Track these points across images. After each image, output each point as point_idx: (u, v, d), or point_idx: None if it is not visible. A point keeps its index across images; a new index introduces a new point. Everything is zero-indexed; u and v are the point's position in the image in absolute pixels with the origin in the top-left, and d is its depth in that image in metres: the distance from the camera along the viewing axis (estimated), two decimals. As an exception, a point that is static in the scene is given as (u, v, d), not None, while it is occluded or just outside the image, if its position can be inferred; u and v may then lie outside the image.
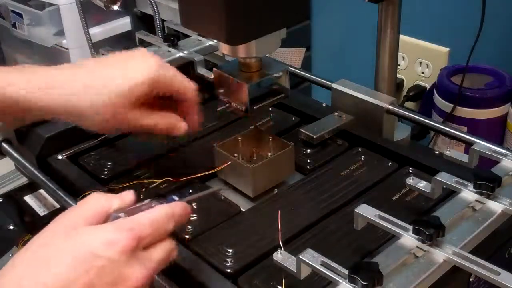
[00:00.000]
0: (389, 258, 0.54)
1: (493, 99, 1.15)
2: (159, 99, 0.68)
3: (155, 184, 0.73)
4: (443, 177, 0.64)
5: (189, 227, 0.67)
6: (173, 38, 1.00)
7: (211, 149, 0.76)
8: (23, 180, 0.85)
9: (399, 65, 1.33)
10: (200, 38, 1.03)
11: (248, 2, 0.65)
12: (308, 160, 0.79)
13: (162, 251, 0.52)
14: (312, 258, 0.53)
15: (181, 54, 0.98)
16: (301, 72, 0.97)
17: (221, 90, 0.77)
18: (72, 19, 1.55)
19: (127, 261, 0.48)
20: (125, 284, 0.48)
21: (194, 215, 0.69)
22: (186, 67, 0.97)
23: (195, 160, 0.69)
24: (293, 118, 0.89)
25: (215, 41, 0.98)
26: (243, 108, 0.75)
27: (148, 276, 0.50)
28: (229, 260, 0.62)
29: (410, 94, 1.33)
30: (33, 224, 0.77)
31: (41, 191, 0.80)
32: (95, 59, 0.69)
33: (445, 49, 1.30)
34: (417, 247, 0.55)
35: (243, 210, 0.71)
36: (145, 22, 1.66)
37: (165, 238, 0.53)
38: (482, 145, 0.70)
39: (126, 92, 0.64)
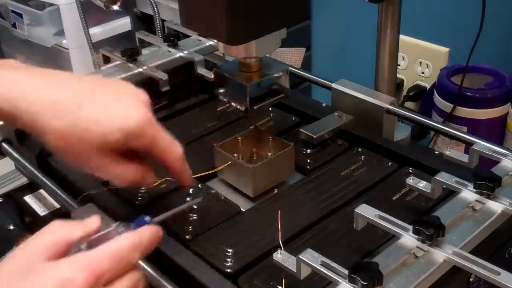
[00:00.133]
0: (389, 258, 0.54)
1: (493, 99, 1.15)
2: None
3: (155, 184, 0.73)
4: (443, 177, 0.64)
5: (189, 227, 0.67)
6: (173, 38, 1.00)
7: (211, 149, 0.76)
8: (23, 180, 0.85)
9: (399, 65, 1.33)
10: (200, 38, 1.03)
11: (248, 2, 0.65)
12: (308, 160, 0.79)
13: (127, 284, 0.49)
14: (312, 258, 0.53)
15: (181, 54, 0.98)
16: (301, 72, 0.97)
17: (221, 90, 0.77)
18: (72, 19, 1.55)
19: None
20: None
21: (194, 215, 0.69)
22: (186, 67, 0.97)
23: (195, 160, 0.69)
24: (293, 118, 0.89)
25: (215, 41, 0.98)
26: (243, 108, 0.75)
27: None
28: (229, 260, 0.62)
29: (410, 94, 1.33)
30: (33, 224, 0.77)
31: (41, 191, 0.79)
32: (90, 82, 0.60)
33: (445, 49, 1.30)
34: (417, 247, 0.55)
35: (243, 210, 0.71)
36: (145, 22, 1.66)
37: (131, 270, 0.50)
38: (482, 145, 0.70)
39: (93, 138, 0.56)
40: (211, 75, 0.90)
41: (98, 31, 1.62)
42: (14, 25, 1.65)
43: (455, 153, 0.71)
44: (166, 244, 0.64)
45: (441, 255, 0.54)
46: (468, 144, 0.74)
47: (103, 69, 0.98)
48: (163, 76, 0.91)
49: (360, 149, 0.80)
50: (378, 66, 0.89)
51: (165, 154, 0.60)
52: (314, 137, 0.80)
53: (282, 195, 0.73)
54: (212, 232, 0.66)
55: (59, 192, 0.73)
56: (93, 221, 0.52)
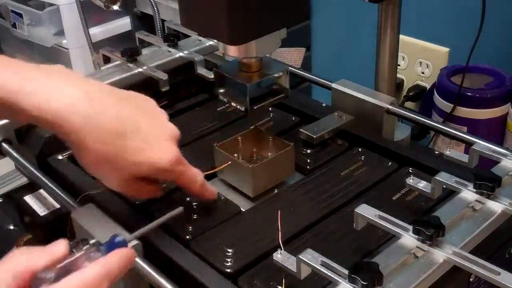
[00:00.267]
0: (389, 258, 0.54)
1: (493, 99, 1.15)
2: None
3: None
4: (443, 177, 0.64)
5: (189, 227, 0.67)
6: (173, 38, 1.00)
7: (211, 149, 0.76)
8: (23, 180, 0.85)
9: (399, 65, 1.33)
10: (200, 38, 1.03)
11: (248, 2, 0.65)
12: (308, 160, 0.79)
13: None
14: (312, 258, 0.53)
15: (181, 54, 0.98)
16: (301, 72, 0.97)
17: (221, 90, 0.77)
18: (72, 19, 1.55)
19: None
20: None
21: (194, 215, 0.69)
22: (186, 67, 0.97)
23: (195, 160, 0.69)
24: (293, 118, 0.89)
25: (215, 41, 0.98)
26: (243, 108, 0.75)
27: None
28: (229, 260, 0.62)
29: (410, 94, 1.33)
30: (33, 224, 0.77)
31: (41, 191, 0.79)
32: (129, 104, 0.62)
33: (445, 49, 1.30)
34: (417, 247, 0.55)
35: (243, 210, 0.71)
36: (145, 22, 1.66)
37: None
38: (482, 145, 0.70)
39: (127, 167, 0.60)
40: (211, 75, 0.90)
41: (98, 31, 1.62)
42: (14, 25, 1.65)
43: (455, 153, 0.71)
44: (166, 244, 0.64)
45: (441, 255, 0.54)
46: (468, 144, 0.74)
47: (103, 69, 0.98)
48: (163, 76, 0.91)
49: (360, 149, 0.80)
50: (378, 66, 0.89)
51: (188, 184, 0.65)
52: (314, 137, 0.80)
53: (282, 195, 0.73)
54: (212, 232, 0.66)
55: (59, 192, 0.73)
56: (59, 247, 0.50)
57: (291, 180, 0.76)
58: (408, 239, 0.56)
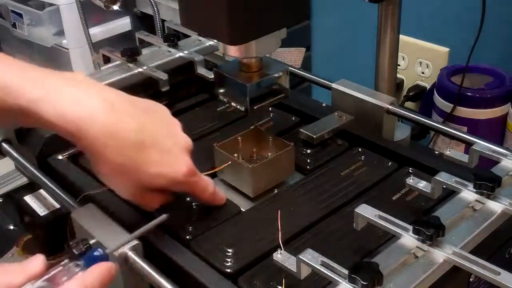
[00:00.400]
0: (389, 258, 0.54)
1: (493, 99, 1.15)
2: None
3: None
4: (443, 177, 0.64)
5: (189, 227, 0.67)
6: (173, 38, 1.00)
7: (211, 149, 0.76)
8: (23, 180, 0.85)
9: (399, 65, 1.33)
10: (200, 38, 1.03)
11: (248, 2, 0.65)
12: (308, 160, 0.79)
13: None
14: (312, 258, 0.53)
15: (181, 54, 0.98)
16: (301, 72, 0.97)
17: (221, 90, 0.77)
18: (72, 19, 1.55)
19: None
20: None
21: (194, 215, 0.69)
22: (186, 67, 0.97)
23: (195, 160, 0.69)
24: (293, 118, 0.89)
25: (215, 41, 0.98)
26: (243, 108, 0.75)
27: None
28: (229, 260, 0.62)
29: (410, 94, 1.34)
30: (33, 224, 0.77)
31: (41, 191, 0.79)
32: (146, 113, 0.62)
33: (445, 49, 1.30)
34: (417, 247, 0.55)
35: (243, 210, 0.71)
36: (145, 22, 1.66)
37: None
38: (482, 145, 0.70)
39: (142, 178, 0.60)
40: (211, 75, 0.90)
41: (98, 31, 1.62)
42: (14, 25, 1.65)
43: (455, 153, 0.71)
44: (166, 244, 0.64)
45: (441, 255, 0.54)
46: (468, 144, 0.74)
47: (103, 69, 0.98)
48: (163, 76, 0.91)
49: (360, 149, 0.80)
50: (378, 66, 0.89)
51: (200, 194, 0.66)
52: (314, 137, 0.80)
53: (282, 195, 0.73)
54: (212, 232, 0.66)
55: (59, 192, 0.73)
56: (35, 264, 0.49)
57: (291, 180, 0.76)
58: (408, 239, 0.56)
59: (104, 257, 0.53)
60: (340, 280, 0.51)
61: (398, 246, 0.56)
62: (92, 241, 0.60)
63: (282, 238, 0.63)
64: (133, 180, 0.60)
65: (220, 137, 0.80)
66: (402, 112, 0.83)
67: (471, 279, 0.61)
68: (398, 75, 1.30)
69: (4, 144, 0.83)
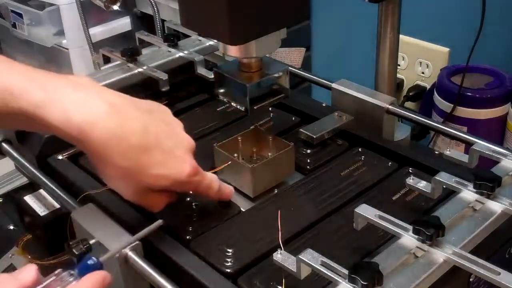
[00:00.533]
0: (389, 258, 0.54)
1: (493, 99, 1.15)
2: None
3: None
4: (443, 177, 0.64)
5: (189, 227, 0.67)
6: (173, 38, 1.00)
7: (211, 149, 0.76)
8: (23, 180, 0.85)
9: (399, 65, 1.33)
10: (200, 38, 1.03)
11: (248, 2, 0.65)
12: (308, 160, 0.79)
13: None
14: (312, 258, 0.53)
15: (181, 54, 0.98)
16: (301, 72, 0.97)
17: (221, 90, 0.77)
18: (72, 19, 1.55)
19: None
20: None
21: (194, 215, 0.69)
22: (186, 67, 0.97)
23: (195, 160, 0.69)
24: (293, 118, 0.89)
25: (215, 41, 0.98)
26: (243, 108, 0.75)
27: None
28: (229, 260, 0.62)
29: (410, 94, 1.34)
30: (33, 224, 0.77)
31: (41, 191, 0.79)
32: (150, 116, 0.62)
33: (445, 49, 1.30)
34: (417, 247, 0.55)
35: (243, 210, 0.71)
36: (145, 22, 1.66)
37: None
38: (482, 145, 0.70)
39: (147, 180, 0.60)
40: (211, 75, 0.90)
41: (98, 31, 1.62)
42: (14, 25, 1.65)
43: (455, 153, 0.71)
44: (166, 244, 0.64)
45: (441, 255, 0.54)
46: (468, 144, 0.74)
47: (103, 69, 0.98)
48: (163, 76, 0.91)
49: (360, 149, 0.80)
50: (378, 66, 0.89)
51: (205, 192, 0.66)
52: (314, 137, 0.80)
53: (282, 195, 0.73)
54: (212, 232, 0.66)
55: (59, 192, 0.73)
56: (28, 273, 0.49)
57: (291, 180, 0.76)
58: (408, 239, 0.56)
59: (98, 266, 0.53)
60: (340, 280, 0.51)
61: (398, 246, 0.56)
62: (92, 241, 0.60)
63: (282, 238, 0.63)
64: (137, 182, 0.60)
65: (220, 137, 0.80)
66: (402, 112, 0.83)
67: (471, 279, 0.61)
68: (398, 75, 1.30)
69: (4, 144, 0.83)
